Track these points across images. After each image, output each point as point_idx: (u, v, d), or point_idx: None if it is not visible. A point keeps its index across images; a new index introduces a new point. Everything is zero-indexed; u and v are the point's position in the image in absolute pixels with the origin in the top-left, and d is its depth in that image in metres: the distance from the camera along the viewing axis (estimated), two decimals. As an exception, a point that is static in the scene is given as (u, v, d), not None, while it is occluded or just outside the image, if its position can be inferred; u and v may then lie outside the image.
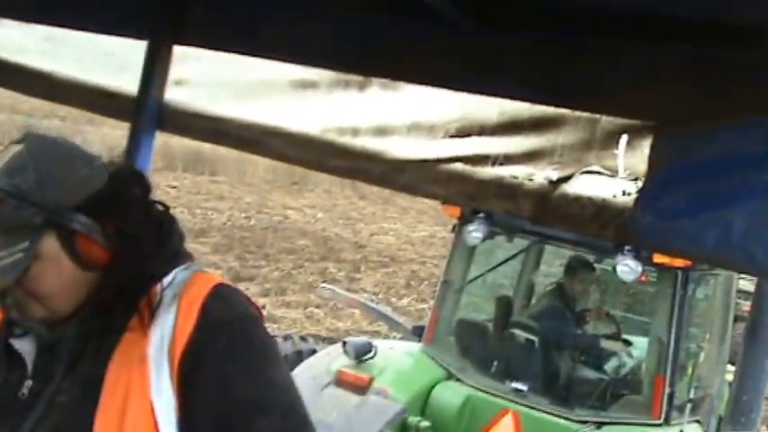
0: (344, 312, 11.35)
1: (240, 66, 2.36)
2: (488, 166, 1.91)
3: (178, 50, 2.44)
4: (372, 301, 9.80)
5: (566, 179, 1.82)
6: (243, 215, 18.49)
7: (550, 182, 1.82)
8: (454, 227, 5.61)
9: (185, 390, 1.32)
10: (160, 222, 1.44)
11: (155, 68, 2.40)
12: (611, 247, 4.69)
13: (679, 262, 4.68)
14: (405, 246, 19.38)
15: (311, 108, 2.26)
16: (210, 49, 2.39)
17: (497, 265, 6.15)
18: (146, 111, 2.42)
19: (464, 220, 5.31)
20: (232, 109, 2.37)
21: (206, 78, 2.43)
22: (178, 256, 1.44)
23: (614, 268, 4.69)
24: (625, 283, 6.92)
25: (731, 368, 5.91)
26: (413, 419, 4.96)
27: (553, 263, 6.68)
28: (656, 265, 4.73)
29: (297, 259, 14.57)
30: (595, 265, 5.60)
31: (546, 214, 1.85)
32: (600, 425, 4.84)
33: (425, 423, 4.95)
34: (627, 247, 4.60)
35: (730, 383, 5.90)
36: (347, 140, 2.16)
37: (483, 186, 1.91)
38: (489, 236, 5.19)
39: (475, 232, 5.13)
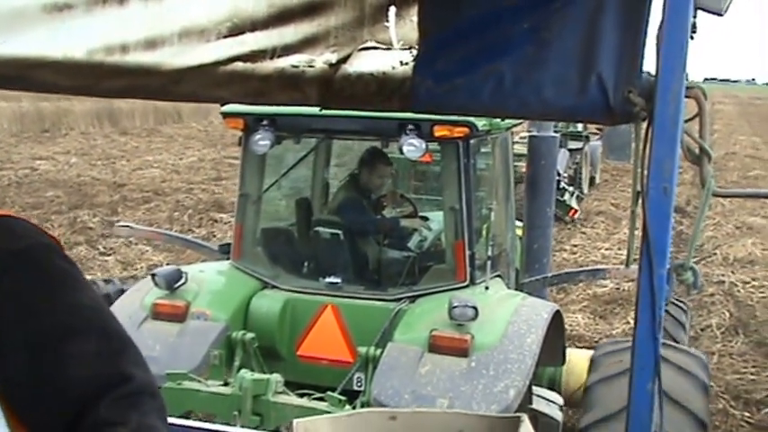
0: (97, 263, 10.99)
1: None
2: (267, 60, 1.92)
3: None
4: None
5: (345, 59, 1.86)
6: (-19, 175, 16.46)
7: (331, 65, 1.86)
8: (240, 139, 5.56)
9: None
10: None
11: None
12: (395, 130, 4.84)
13: (458, 133, 4.90)
14: (170, 176, 18.69)
15: (72, 32, 2.13)
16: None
17: (289, 169, 6.20)
18: None
19: (249, 131, 5.27)
20: (-18, 47, 2.19)
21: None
22: None
23: (401, 149, 4.84)
24: (413, 163, 7.24)
25: (520, 224, 6.39)
26: (236, 334, 4.99)
27: (344, 157, 6.82)
28: (438, 138, 4.93)
29: (43, 213, 13.68)
30: (384, 150, 5.76)
31: (332, 97, 1.90)
32: (413, 298, 5.09)
33: (249, 335, 5.00)
34: (409, 127, 4.77)
35: (521, 238, 6.40)
36: (117, 59, 2.07)
37: (266, 81, 1.92)
38: (276, 141, 5.19)
39: (261, 140, 5.11)
